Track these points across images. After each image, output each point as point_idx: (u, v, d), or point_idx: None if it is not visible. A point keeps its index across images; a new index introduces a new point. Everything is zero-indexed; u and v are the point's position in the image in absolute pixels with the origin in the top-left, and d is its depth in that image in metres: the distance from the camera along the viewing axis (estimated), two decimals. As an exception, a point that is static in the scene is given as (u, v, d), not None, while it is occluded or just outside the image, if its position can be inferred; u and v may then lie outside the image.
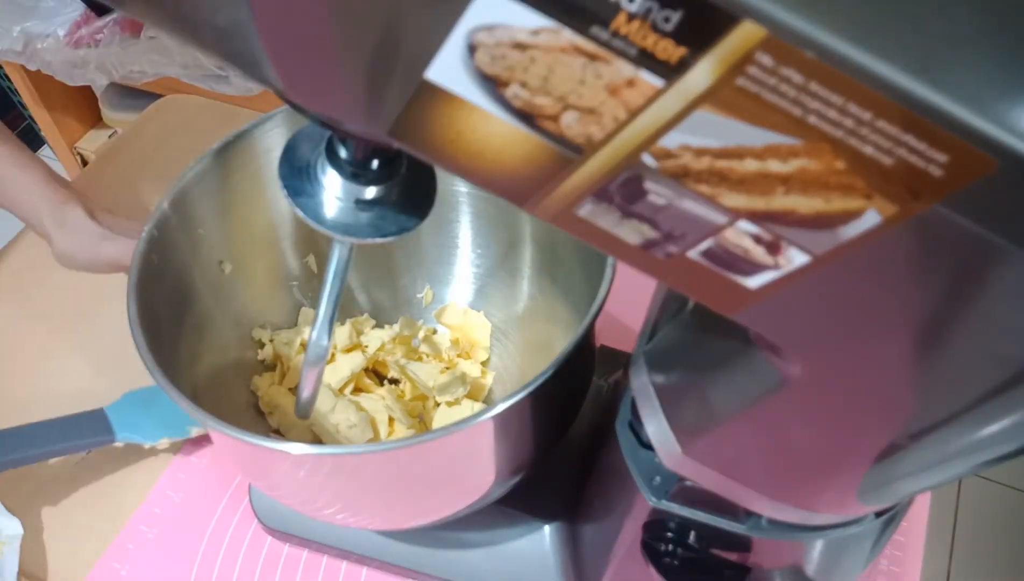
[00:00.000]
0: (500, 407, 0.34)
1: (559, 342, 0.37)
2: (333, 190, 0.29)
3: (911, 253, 0.19)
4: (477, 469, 0.39)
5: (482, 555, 0.49)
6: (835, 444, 0.26)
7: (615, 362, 0.52)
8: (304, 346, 0.54)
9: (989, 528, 1.13)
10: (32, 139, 1.69)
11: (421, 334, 0.56)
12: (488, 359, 0.56)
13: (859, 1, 0.16)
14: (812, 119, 0.16)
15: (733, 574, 0.35)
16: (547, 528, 0.49)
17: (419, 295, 0.58)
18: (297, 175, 0.29)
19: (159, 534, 0.54)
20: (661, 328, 0.34)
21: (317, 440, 0.50)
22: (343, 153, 0.28)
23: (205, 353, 0.47)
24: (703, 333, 0.30)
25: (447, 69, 0.18)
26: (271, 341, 0.53)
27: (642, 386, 0.33)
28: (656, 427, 0.32)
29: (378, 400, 0.52)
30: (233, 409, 0.50)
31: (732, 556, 0.34)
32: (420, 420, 0.53)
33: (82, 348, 0.64)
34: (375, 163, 0.29)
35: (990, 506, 1.15)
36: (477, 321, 0.56)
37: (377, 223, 0.30)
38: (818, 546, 0.33)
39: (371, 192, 0.29)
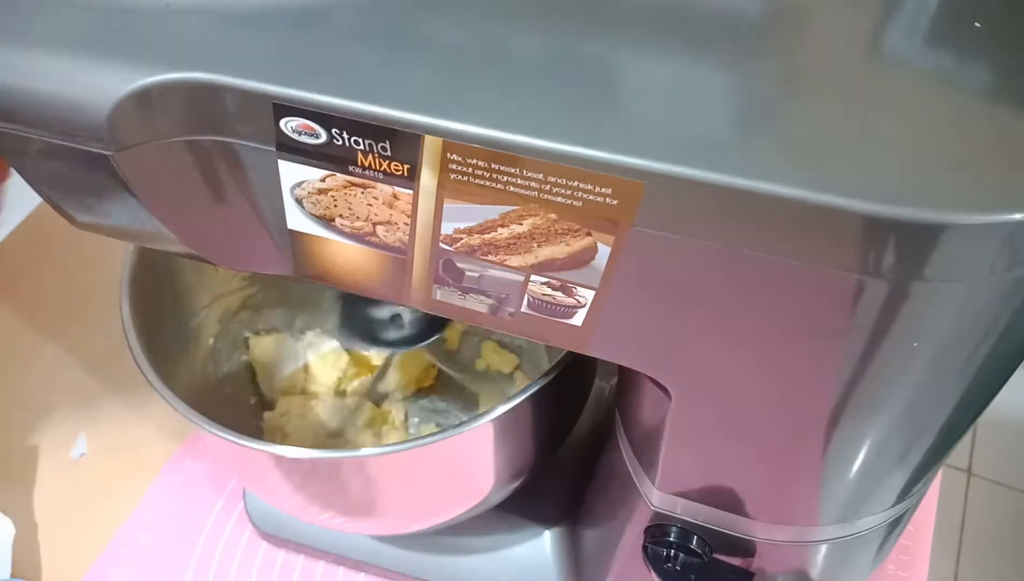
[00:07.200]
0: (500, 410, 0.34)
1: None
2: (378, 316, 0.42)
3: (664, 272, 0.21)
4: (477, 473, 0.38)
5: (481, 560, 0.48)
6: (759, 455, 0.27)
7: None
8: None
9: (997, 531, 1.12)
10: None
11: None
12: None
13: (497, 99, 0.20)
14: (511, 189, 0.20)
15: (736, 579, 0.34)
16: (547, 533, 0.48)
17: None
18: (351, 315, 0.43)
19: (153, 539, 0.53)
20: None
21: (316, 442, 0.49)
22: None
23: (199, 354, 0.47)
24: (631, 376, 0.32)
25: (296, 219, 0.24)
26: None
27: (617, 427, 0.35)
28: (633, 467, 0.33)
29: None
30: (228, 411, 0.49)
31: (735, 560, 0.34)
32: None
33: (74, 348, 0.63)
34: None
35: (998, 509, 1.14)
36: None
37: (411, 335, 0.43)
38: (823, 550, 0.32)
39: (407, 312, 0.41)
